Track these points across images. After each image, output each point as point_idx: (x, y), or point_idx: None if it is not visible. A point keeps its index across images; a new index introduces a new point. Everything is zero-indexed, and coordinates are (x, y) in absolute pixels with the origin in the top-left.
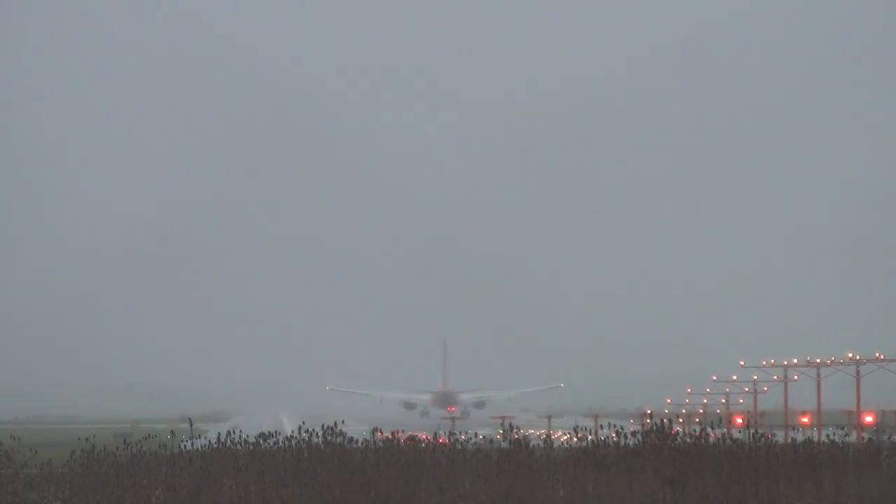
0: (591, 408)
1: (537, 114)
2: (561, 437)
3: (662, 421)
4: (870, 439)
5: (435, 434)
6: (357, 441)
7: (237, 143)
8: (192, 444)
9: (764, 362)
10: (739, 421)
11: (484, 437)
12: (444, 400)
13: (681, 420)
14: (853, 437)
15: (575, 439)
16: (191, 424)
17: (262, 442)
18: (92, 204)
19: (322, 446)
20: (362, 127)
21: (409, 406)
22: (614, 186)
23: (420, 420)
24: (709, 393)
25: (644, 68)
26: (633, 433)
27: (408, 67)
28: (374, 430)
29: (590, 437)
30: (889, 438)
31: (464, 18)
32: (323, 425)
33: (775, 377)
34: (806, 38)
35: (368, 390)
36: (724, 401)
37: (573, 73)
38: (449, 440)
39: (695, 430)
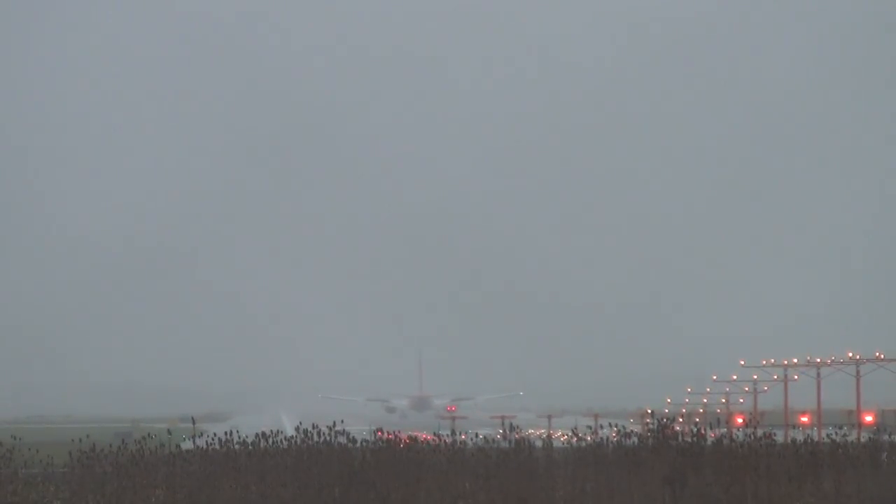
0: (591, 408)
1: (532, 112)
2: (561, 436)
3: (665, 420)
4: (870, 438)
5: (435, 433)
6: (357, 441)
7: (236, 144)
8: (195, 443)
9: (764, 362)
10: (740, 421)
11: (484, 436)
12: (421, 404)
13: (681, 420)
14: (853, 437)
15: (575, 439)
16: (193, 423)
17: (262, 442)
18: (92, 205)
19: (322, 446)
20: (358, 126)
21: (390, 410)
22: (613, 185)
23: (401, 420)
24: (709, 393)
25: (641, 64)
26: (630, 433)
27: (404, 64)
28: (376, 431)
29: (589, 437)
30: (889, 438)
31: (460, 15)
32: (314, 425)
33: (775, 377)
34: (805, 34)
35: (354, 396)
36: (724, 401)
37: (571, 69)
38: (449, 440)
39: (694, 430)
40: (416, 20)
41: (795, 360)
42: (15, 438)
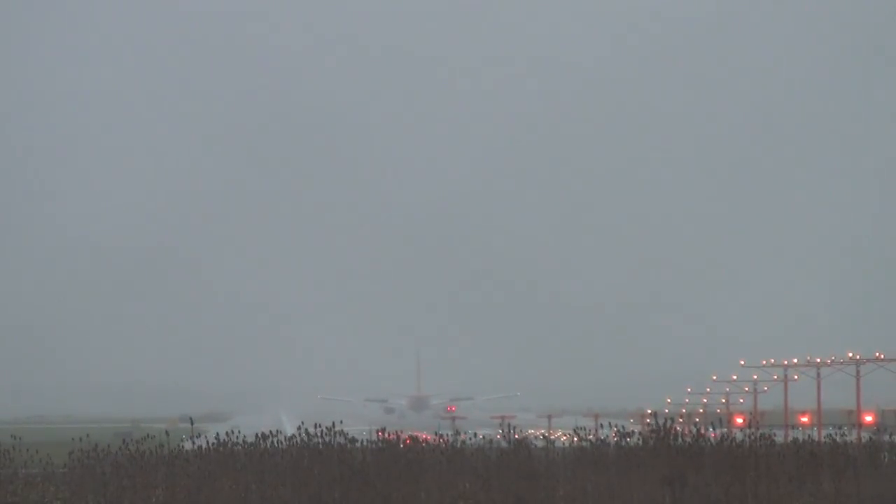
0: (591, 408)
1: (532, 111)
2: (561, 436)
3: (665, 420)
4: (870, 438)
5: (436, 433)
6: (358, 441)
7: (236, 144)
8: (193, 443)
9: (764, 362)
10: (740, 421)
11: (484, 436)
12: (419, 404)
13: (681, 420)
14: (853, 437)
15: (575, 439)
16: (192, 423)
17: (262, 442)
18: (92, 205)
19: (321, 446)
20: (358, 126)
21: (389, 410)
22: (614, 185)
23: (400, 420)
24: (709, 393)
25: (641, 64)
26: (629, 433)
27: (404, 64)
28: (377, 431)
29: (590, 437)
30: (889, 438)
31: (459, 15)
32: (316, 425)
33: (775, 377)
34: (805, 34)
35: (353, 397)
36: (724, 401)
37: (571, 69)
38: (449, 440)
39: (694, 430)
40: (415, 20)
41: (795, 360)
42: (15, 438)
